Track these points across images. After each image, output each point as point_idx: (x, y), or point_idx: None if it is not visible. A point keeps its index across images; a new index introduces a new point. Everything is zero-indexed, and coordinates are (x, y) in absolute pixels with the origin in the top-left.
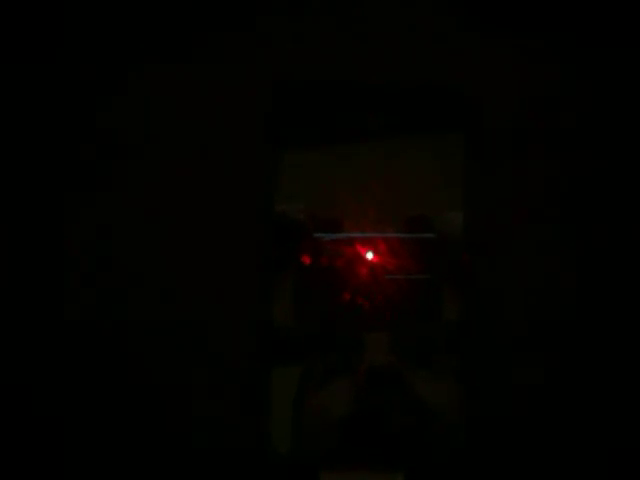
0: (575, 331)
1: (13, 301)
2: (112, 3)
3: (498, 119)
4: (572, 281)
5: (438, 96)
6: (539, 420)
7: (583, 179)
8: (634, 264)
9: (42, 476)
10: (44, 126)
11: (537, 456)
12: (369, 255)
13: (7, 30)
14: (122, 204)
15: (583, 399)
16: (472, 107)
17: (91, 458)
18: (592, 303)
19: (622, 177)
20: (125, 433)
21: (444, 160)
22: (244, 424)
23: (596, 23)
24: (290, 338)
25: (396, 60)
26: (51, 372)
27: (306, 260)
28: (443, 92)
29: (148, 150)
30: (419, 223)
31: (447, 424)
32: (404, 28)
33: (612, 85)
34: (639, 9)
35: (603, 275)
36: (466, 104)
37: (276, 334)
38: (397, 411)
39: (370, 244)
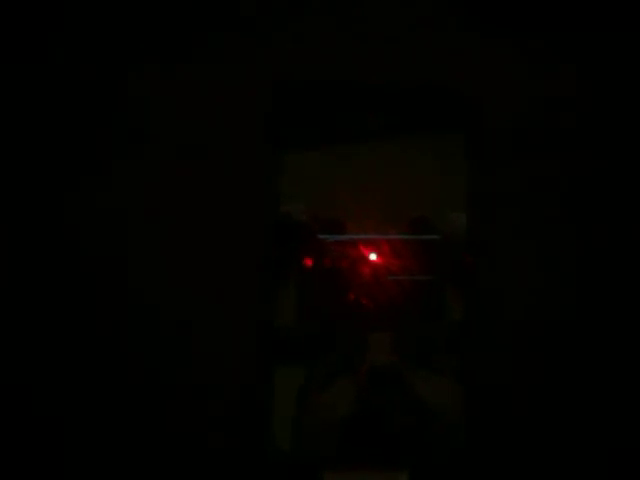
0: (575, 331)
1: (13, 301)
2: (112, 3)
3: (498, 119)
4: (572, 281)
5: (438, 96)
6: (539, 420)
7: (583, 179)
8: (634, 264)
9: (42, 476)
10: (44, 126)
11: (537, 456)
12: (372, 256)
13: (7, 30)
14: (122, 205)
15: (583, 399)
16: (472, 107)
17: (92, 458)
18: (592, 303)
19: (622, 177)
20: (127, 433)
21: (444, 160)
22: (246, 424)
23: (596, 23)
24: (292, 338)
25: (396, 60)
26: (51, 372)
27: (309, 261)
28: (443, 92)
29: (148, 150)
30: (421, 224)
31: (448, 424)
32: (404, 28)
33: (612, 85)
34: (638, 9)
35: (603, 275)
36: (466, 104)
37: (278, 334)
38: (398, 411)
39: (373, 245)
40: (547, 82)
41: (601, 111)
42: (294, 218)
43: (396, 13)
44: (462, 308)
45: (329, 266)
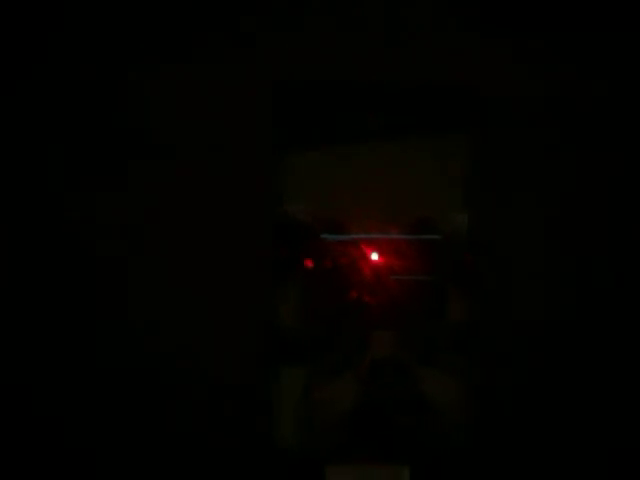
0: (576, 329)
1: (13, 301)
2: (112, 3)
3: (499, 119)
4: (573, 280)
5: (438, 96)
6: (541, 418)
7: (583, 179)
8: (634, 264)
9: (42, 476)
10: (44, 126)
11: (540, 454)
12: (374, 256)
13: (7, 30)
14: (123, 205)
15: (586, 398)
16: (472, 107)
17: (94, 457)
18: (592, 302)
19: (622, 177)
20: (129, 432)
21: (444, 160)
22: (250, 421)
23: (596, 23)
24: (295, 338)
25: (396, 60)
26: (52, 372)
27: (311, 261)
28: (443, 92)
29: (147, 150)
30: (423, 224)
31: (451, 421)
32: (404, 28)
33: (612, 85)
34: (638, 9)
35: (604, 275)
36: (467, 104)
37: (280, 334)
38: (400, 405)
39: (375, 245)
40: (547, 82)
41: (601, 111)
42: (295, 218)
43: (396, 13)
44: (463, 308)
45: (331, 266)
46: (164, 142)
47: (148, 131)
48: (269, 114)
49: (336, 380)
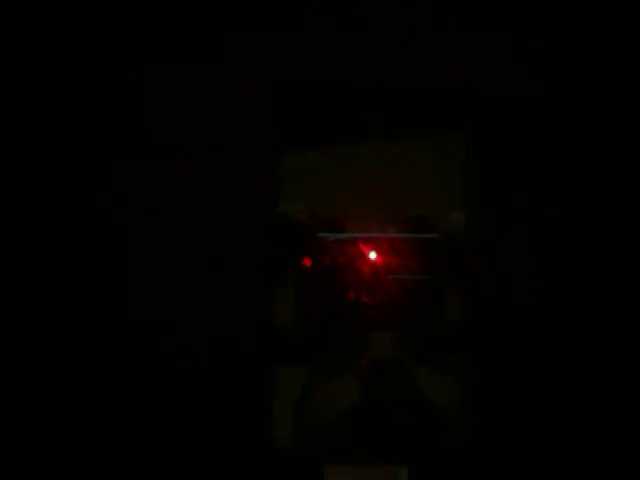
0: (575, 329)
1: (13, 301)
2: (112, 3)
3: (499, 119)
4: (571, 280)
5: (438, 96)
6: (540, 418)
7: (583, 179)
8: (634, 264)
9: (42, 476)
10: (44, 126)
11: (539, 454)
12: (372, 255)
13: (7, 30)
14: (122, 205)
15: (586, 398)
16: (472, 107)
17: (93, 458)
18: (591, 302)
19: (622, 177)
20: (128, 433)
21: (444, 160)
22: (248, 421)
23: (596, 23)
24: (294, 338)
25: (396, 60)
26: (52, 372)
27: (308, 261)
28: (444, 92)
29: (147, 150)
30: (421, 223)
31: (449, 421)
32: (404, 28)
33: (612, 85)
34: (638, 9)
35: (603, 275)
36: (467, 104)
37: (280, 334)
38: (399, 405)
39: (373, 244)
40: (547, 82)
41: (601, 111)
42: (293, 217)
43: (396, 13)
44: (462, 307)
45: (328, 265)
46: (164, 142)
47: (148, 131)
48: (269, 114)
49: (335, 380)
